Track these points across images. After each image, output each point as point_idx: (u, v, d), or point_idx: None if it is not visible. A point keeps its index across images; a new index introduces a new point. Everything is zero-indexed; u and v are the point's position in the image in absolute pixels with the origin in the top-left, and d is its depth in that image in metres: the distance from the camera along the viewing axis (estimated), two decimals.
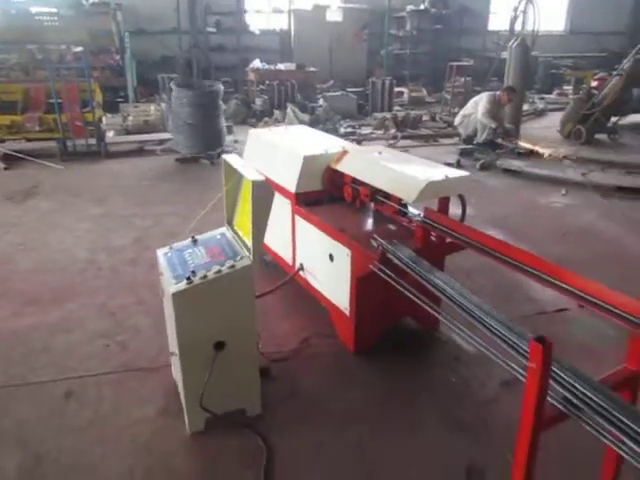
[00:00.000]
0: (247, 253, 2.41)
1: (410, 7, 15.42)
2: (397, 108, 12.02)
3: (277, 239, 3.92)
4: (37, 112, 8.90)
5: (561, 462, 2.33)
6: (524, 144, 8.28)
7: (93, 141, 8.05)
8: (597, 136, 9.22)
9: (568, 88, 13.76)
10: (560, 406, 1.70)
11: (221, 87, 7.64)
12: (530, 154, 8.03)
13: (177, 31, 12.86)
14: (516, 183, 6.82)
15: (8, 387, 2.84)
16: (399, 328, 3.36)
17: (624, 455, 1.53)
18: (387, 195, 3.17)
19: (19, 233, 4.98)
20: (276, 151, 3.84)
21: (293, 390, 2.84)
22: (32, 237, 4.88)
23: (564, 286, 2.07)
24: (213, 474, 2.32)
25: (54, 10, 9.88)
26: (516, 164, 7.29)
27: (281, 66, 12.47)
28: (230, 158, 2.63)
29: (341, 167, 3.36)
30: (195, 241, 2.64)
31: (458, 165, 7.55)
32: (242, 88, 13.26)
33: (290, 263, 3.74)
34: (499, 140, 8.31)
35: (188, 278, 2.30)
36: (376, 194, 3.22)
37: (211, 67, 8.21)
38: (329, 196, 3.56)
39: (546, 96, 13.53)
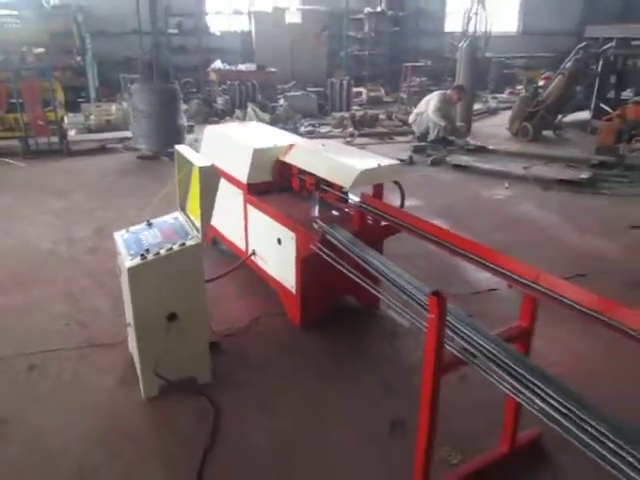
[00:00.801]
0: (197, 233, 2.68)
1: (368, 9, 15.81)
2: (356, 107, 12.38)
3: (231, 228, 4.19)
4: None
5: (471, 413, 2.67)
6: (473, 141, 8.75)
7: (55, 139, 8.16)
8: (544, 132, 9.75)
9: (520, 87, 14.35)
10: (458, 354, 2.03)
11: (177, 87, 7.84)
12: (480, 150, 8.48)
13: (138, 32, 12.90)
14: (463, 177, 7.22)
15: None
16: (342, 307, 3.66)
17: (520, 401, 1.79)
18: (330, 184, 3.47)
19: None
20: (229, 145, 4.12)
21: (241, 360, 3.12)
22: None
23: (483, 261, 2.31)
24: (165, 431, 2.58)
25: (14, 12, 9.89)
26: (464, 159, 7.71)
27: (242, 67, 12.71)
28: (182, 148, 2.89)
29: (288, 159, 3.65)
30: (150, 224, 2.90)
31: (410, 161, 7.94)
32: (204, 88, 13.43)
33: (244, 250, 4.01)
34: (450, 137, 8.75)
35: (142, 255, 2.56)
36: (320, 183, 3.52)
37: (170, 68, 8.33)
38: (279, 186, 3.84)
39: (499, 95, 14.11)
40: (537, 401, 1.72)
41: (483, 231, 5.12)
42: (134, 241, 2.73)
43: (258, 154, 3.74)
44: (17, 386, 2.88)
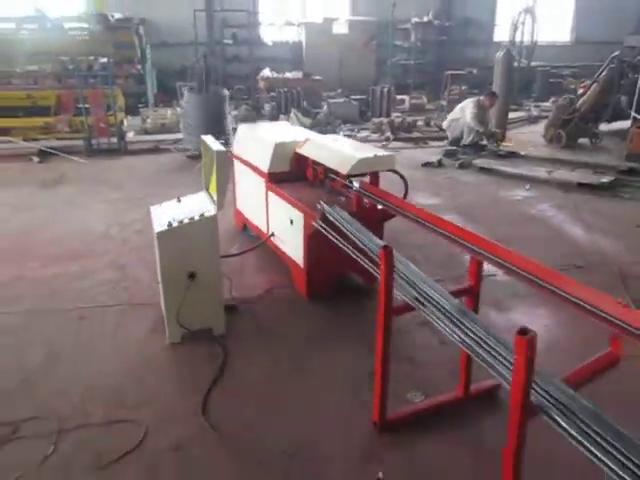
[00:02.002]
0: (214, 207, 3.25)
1: (415, 19, 16.23)
2: (397, 114, 12.79)
3: (255, 213, 4.77)
4: (67, 115, 9.94)
5: (441, 366, 3.10)
6: (505, 146, 9.03)
7: (114, 140, 9.05)
8: (580, 140, 9.86)
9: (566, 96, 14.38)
10: (409, 301, 2.48)
11: (226, 92, 8.55)
12: (510, 155, 8.76)
13: (194, 43, 13.87)
14: (487, 179, 7.54)
15: (37, 311, 3.73)
16: (346, 283, 4.13)
17: (463, 348, 2.17)
18: (337, 173, 3.98)
19: (50, 211, 5.94)
20: (255, 140, 4.70)
21: (252, 320, 3.67)
22: (60, 214, 5.84)
23: (474, 248, 2.62)
24: (182, 367, 3.16)
25: (85, 25, 10.96)
26: (490, 163, 8.01)
27: (289, 75, 13.39)
28: (206, 138, 3.48)
29: (303, 151, 4.19)
30: (179, 200, 3.49)
31: (439, 164, 8.32)
32: (254, 95, 14.22)
33: (265, 232, 4.57)
34: (484, 142, 9.08)
35: (169, 223, 3.15)
36: (328, 173, 4.03)
37: (219, 75, 9.09)
38: (295, 176, 4.37)
39: (542, 104, 14.17)
40: (480, 351, 2.05)
41: (490, 225, 5.48)
42: (165, 213, 3.33)
43: (278, 147, 4.30)
44: (69, 331, 3.53)
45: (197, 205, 3.36)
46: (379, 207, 3.67)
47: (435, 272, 3.78)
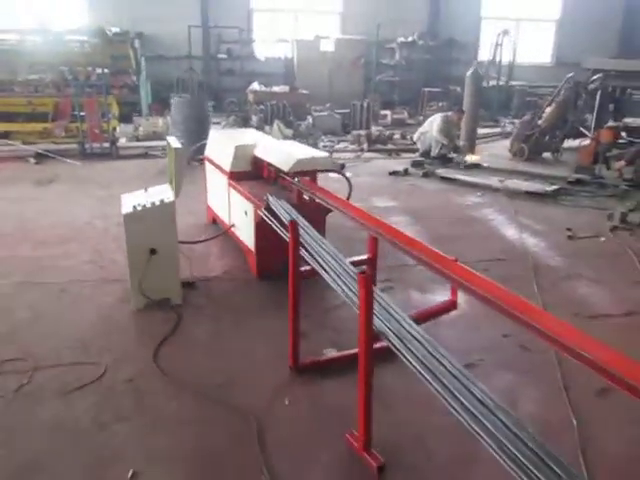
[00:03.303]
0: (172, 195, 3.91)
1: (400, 39, 17.06)
2: (379, 128, 13.51)
3: (220, 208, 5.43)
4: (64, 121, 10.65)
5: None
6: (468, 158, 9.71)
7: (107, 145, 9.74)
8: (545, 155, 10.56)
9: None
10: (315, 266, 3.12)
11: (208, 102, 9.27)
12: (474, 167, 9.44)
13: (189, 57, 14.63)
14: (446, 187, 8.21)
15: (25, 283, 4.38)
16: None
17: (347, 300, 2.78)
18: (286, 173, 4.63)
19: (42, 204, 6.62)
20: (221, 143, 5.38)
21: (207, 294, 4.31)
22: (51, 207, 6.51)
23: (372, 227, 3.30)
24: (141, 327, 3.80)
25: (84, 38, 11.73)
26: (451, 172, 8.70)
27: (276, 88, 14.15)
28: (170, 139, 4.15)
29: (257, 152, 4.87)
30: (146, 190, 4.16)
31: (405, 173, 9.00)
32: (244, 107, 14.97)
33: (227, 223, 5.23)
34: (450, 154, 9.78)
35: (134, 206, 3.81)
36: (279, 172, 4.69)
37: (205, 87, 9.81)
38: (255, 175, 5.04)
39: (517, 121, 14.88)
40: (393, 338, 2.66)
41: (435, 224, 6.15)
42: (133, 200, 3.99)
43: (239, 149, 4.97)
44: (51, 299, 4.17)
45: (160, 194, 4.02)
46: (316, 200, 4.32)
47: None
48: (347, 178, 4.90)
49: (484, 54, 18.74)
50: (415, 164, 9.50)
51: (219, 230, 5.62)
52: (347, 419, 2.70)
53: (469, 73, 10.83)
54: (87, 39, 11.56)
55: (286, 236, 3.30)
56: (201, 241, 5.00)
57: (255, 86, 14.27)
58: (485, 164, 9.52)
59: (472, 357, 3.49)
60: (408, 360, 2.23)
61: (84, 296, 4.23)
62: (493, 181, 8.19)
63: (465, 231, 6.07)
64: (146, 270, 3.84)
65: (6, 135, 10.20)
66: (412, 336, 2.32)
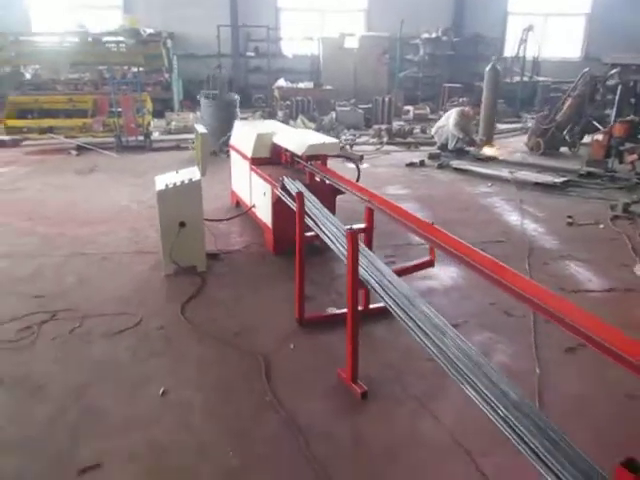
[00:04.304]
0: (198, 175, 4.48)
1: (425, 35, 17.40)
2: (400, 123, 13.95)
3: (243, 190, 6.00)
4: (102, 116, 11.42)
5: None
6: (484, 152, 10.08)
7: (141, 138, 10.45)
8: (562, 149, 10.82)
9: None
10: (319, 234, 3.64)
11: (236, 98, 9.87)
12: (489, 159, 9.81)
13: (218, 55, 15.29)
14: (459, 178, 8.63)
15: (73, 254, 5.02)
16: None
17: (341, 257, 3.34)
18: (300, 157, 5.16)
19: (84, 191, 7.31)
20: (244, 132, 5.95)
21: (228, 264, 4.88)
22: (91, 193, 7.20)
23: (367, 200, 3.87)
24: (170, 289, 4.38)
25: (120, 39, 12.49)
26: (465, 164, 9.10)
27: (301, 85, 14.70)
28: (197, 126, 4.72)
29: (276, 140, 5.41)
30: (177, 172, 4.74)
31: (421, 164, 9.43)
32: (271, 103, 15.58)
33: (248, 204, 5.80)
34: (466, 148, 10.16)
35: (166, 185, 4.40)
36: (294, 156, 5.23)
37: (232, 84, 10.40)
38: (274, 160, 5.58)
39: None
40: (375, 285, 3.19)
41: (442, 210, 6.59)
42: (166, 180, 4.58)
43: (259, 137, 5.52)
44: (94, 267, 4.80)
45: (189, 174, 4.60)
46: (326, 182, 4.84)
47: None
48: (356, 163, 5.41)
49: (510, 50, 18.95)
50: (432, 156, 9.91)
51: (241, 212, 6.20)
52: (341, 361, 3.20)
53: (488, 68, 11.15)
54: (123, 40, 12.31)
55: (294, 206, 3.82)
56: (224, 220, 5.58)
57: (281, 82, 14.86)
58: (500, 157, 9.88)
59: (458, 319, 3.96)
60: (385, 301, 2.73)
61: (122, 264, 4.85)
62: (504, 172, 8.56)
63: (470, 217, 6.50)
64: (176, 241, 4.43)
65: (50, 130, 11.01)
66: (390, 283, 2.82)
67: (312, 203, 4.05)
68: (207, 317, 3.92)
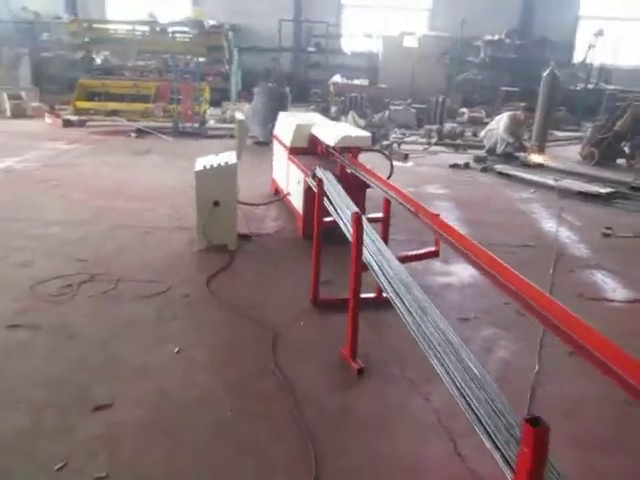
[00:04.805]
0: (235, 159, 4.77)
1: (488, 37, 17.17)
2: (454, 125, 13.88)
3: (281, 179, 6.26)
4: (163, 102, 12.02)
5: None
6: (533, 158, 9.94)
7: (197, 125, 10.95)
8: (618, 160, 10.49)
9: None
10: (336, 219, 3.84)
11: (287, 91, 10.17)
12: (536, 166, 9.68)
13: (279, 49, 15.70)
14: (502, 182, 8.59)
15: (118, 225, 5.44)
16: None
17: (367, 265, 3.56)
18: (335, 149, 5.36)
19: (137, 170, 7.84)
20: (285, 123, 6.21)
21: (258, 245, 5.16)
22: (143, 172, 7.71)
23: (384, 189, 4.03)
24: (202, 261, 4.70)
25: (185, 29, 13.08)
26: (509, 169, 9.03)
27: (356, 81, 14.88)
28: (237, 114, 5.01)
29: (313, 131, 5.64)
30: (217, 155, 5.06)
31: (465, 166, 9.44)
32: (326, 98, 15.84)
33: (285, 191, 6.06)
34: (516, 153, 10.06)
35: (204, 166, 4.71)
36: (329, 148, 5.44)
37: (287, 78, 10.72)
38: (311, 151, 5.81)
39: None
40: (375, 268, 3.38)
41: (475, 212, 6.65)
42: (205, 161, 4.90)
43: (299, 128, 5.77)
44: (136, 238, 5.19)
45: (226, 158, 4.90)
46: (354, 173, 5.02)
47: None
48: (389, 158, 5.55)
49: (579, 56, 18.39)
50: (477, 159, 9.89)
51: (277, 198, 6.48)
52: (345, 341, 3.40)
53: (545, 73, 10.96)
54: (187, 30, 12.88)
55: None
56: (258, 204, 5.86)
57: (337, 78, 15.09)
58: (549, 164, 9.72)
59: (469, 314, 4.08)
60: (381, 282, 2.90)
61: (160, 238, 5.22)
62: (548, 180, 8.44)
63: (504, 220, 6.51)
64: (209, 218, 4.74)
65: (115, 112, 11.71)
66: (390, 268, 2.99)
67: (337, 192, 4.25)
68: (229, 290, 4.20)
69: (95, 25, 13.04)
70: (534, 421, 1.32)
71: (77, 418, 2.72)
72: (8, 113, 12.93)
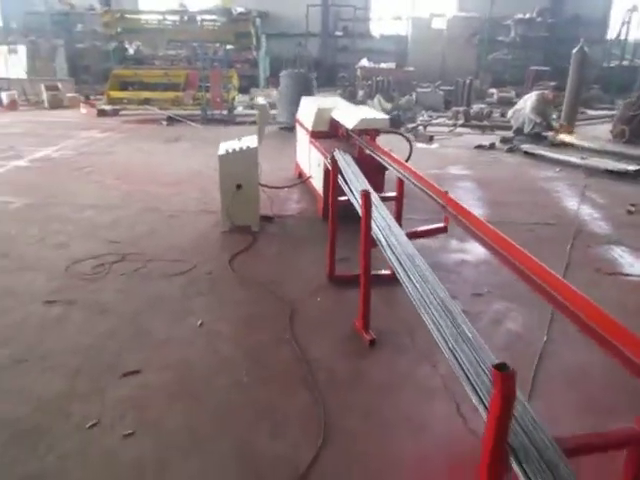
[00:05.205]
0: (257, 143, 4.95)
1: (518, 16, 16.83)
2: (482, 106, 13.75)
3: (304, 162, 6.42)
4: (192, 90, 12.30)
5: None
6: (561, 137, 9.81)
7: (225, 112, 11.18)
8: None
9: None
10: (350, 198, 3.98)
11: (312, 76, 10.29)
12: (563, 145, 9.56)
13: (305, 35, 15.77)
14: (528, 162, 8.54)
15: (148, 209, 5.71)
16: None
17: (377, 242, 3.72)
18: (353, 132, 5.48)
19: (167, 156, 8.13)
20: (307, 107, 6.35)
21: (280, 226, 5.35)
22: (173, 158, 7.98)
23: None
24: (225, 242, 4.92)
25: (214, 17, 13.28)
26: (535, 148, 8.95)
27: (383, 65, 14.85)
28: (258, 99, 5.19)
29: (334, 115, 5.77)
30: (239, 139, 5.25)
31: (490, 147, 9.40)
32: (353, 82, 15.86)
33: (307, 174, 6.22)
34: (544, 133, 9.95)
35: (227, 150, 4.91)
36: (348, 131, 5.56)
37: (315, 63, 10.82)
38: (332, 134, 5.94)
39: None
40: (384, 243, 3.55)
41: (497, 192, 6.69)
42: (228, 146, 5.10)
43: (319, 112, 5.91)
44: (164, 221, 5.45)
45: (248, 142, 5.09)
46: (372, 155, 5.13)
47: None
48: (408, 140, 5.65)
49: (614, 33, 17.85)
50: (503, 140, 9.83)
51: (299, 181, 6.65)
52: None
53: (575, 51, 10.75)
54: (216, 18, 13.08)
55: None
56: (281, 187, 6.05)
57: (364, 62, 15.08)
58: (578, 143, 9.58)
59: (482, 289, 4.18)
60: (388, 256, 3.04)
61: (187, 220, 5.47)
62: (575, 158, 8.36)
63: (525, 199, 6.52)
64: (233, 200, 4.95)
65: (147, 101, 12.05)
66: (398, 242, 3.13)
67: (353, 173, 4.39)
68: (250, 268, 4.40)
69: (127, 15, 13.35)
70: (501, 366, 1.46)
71: (108, 383, 2.97)
72: (46, 104, 13.45)
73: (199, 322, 3.56)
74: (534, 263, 2.19)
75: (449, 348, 2.12)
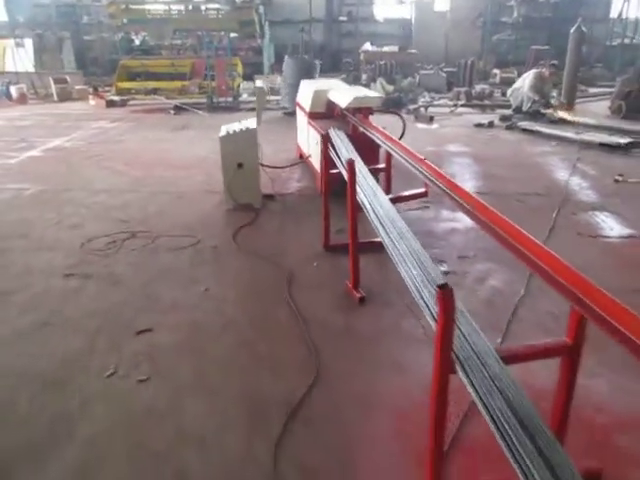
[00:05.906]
0: (255, 124, 5.25)
1: None
2: (485, 86, 13.88)
3: (303, 143, 6.71)
4: (198, 79, 12.59)
5: None
6: (559, 114, 9.97)
7: (230, 99, 11.46)
8: None
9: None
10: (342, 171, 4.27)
11: (315, 61, 10.52)
12: (561, 122, 9.73)
13: (309, 21, 15.93)
14: (525, 138, 8.75)
15: (156, 191, 6.05)
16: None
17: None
18: (347, 110, 5.74)
19: (174, 143, 8.45)
20: (306, 89, 6.63)
21: (281, 204, 5.66)
22: (180, 145, 8.30)
23: (386, 143, 4.47)
24: (229, 219, 5.24)
25: (217, 6, 13.52)
26: (532, 125, 9.14)
27: (386, 48, 15.00)
28: (257, 81, 5.47)
29: (330, 96, 6.04)
30: (240, 122, 5.55)
31: (489, 125, 9.60)
32: (358, 67, 16.05)
33: (307, 154, 6.51)
34: (542, 110, 10.12)
35: (227, 131, 5.21)
36: (343, 111, 5.82)
37: (319, 49, 11.01)
38: (329, 115, 6.21)
39: None
40: (368, 207, 3.85)
41: (492, 167, 6.92)
42: (229, 128, 5.40)
43: (317, 94, 6.18)
44: (172, 202, 5.78)
45: (248, 124, 5.38)
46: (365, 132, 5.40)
47: None
48: (402, 118, 5.90)
49: (617, 11, 17.79)
50: (503, 118, 10.02)
51: (300, 161, 6.94)
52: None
53: (572, 30, 10.87)
54: (219, 7, 13.33)
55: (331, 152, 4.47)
56: (280, 167, 6.36)
57: (367, 46, 15.25)
58: (576, 120, 9.74)
59: (469, 253, 4.46)
60: (371, 218, 3.33)
61: (194, 201, 5.80)
62: (570, 134, 8.54)
63: (519, 173, 6.76)
64: (234, 178, 5.26)
65: (154, 91, 12.37)
66: (381, 207, 3.42)
67: (346, 148, 4.67)
68: (252, 241, 4.72)
69: (132, 6, 13.63)
70: (443, 286, 1.76)
71: (123, 340, 3.32)
72: (55, 97, 13.82)
73: (204, 288, 3.88)
74: (504, 222, 2.41)
75: (418, 292, 2.41)
